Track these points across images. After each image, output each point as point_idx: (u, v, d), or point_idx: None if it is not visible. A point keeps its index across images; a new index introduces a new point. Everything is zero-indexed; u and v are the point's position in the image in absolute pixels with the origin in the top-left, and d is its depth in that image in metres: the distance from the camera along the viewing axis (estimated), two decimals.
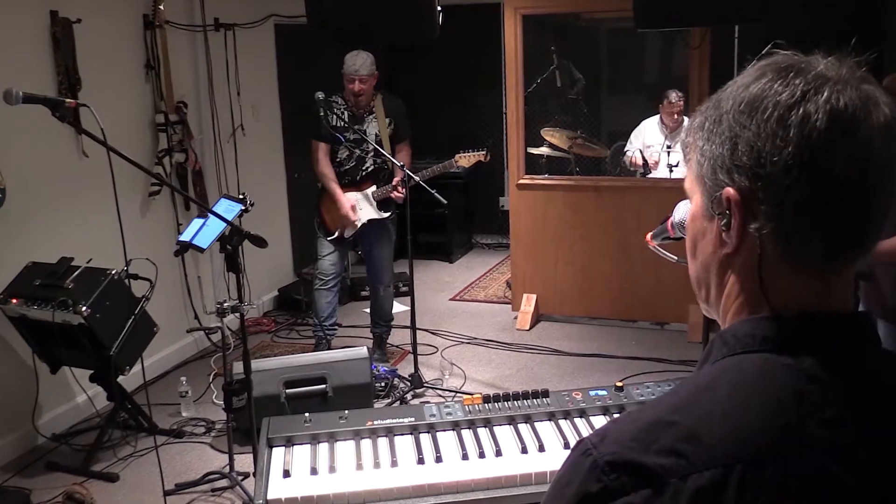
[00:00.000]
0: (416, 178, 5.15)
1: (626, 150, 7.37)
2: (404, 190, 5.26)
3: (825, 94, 0.92)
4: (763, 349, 0.94)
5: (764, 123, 0.93)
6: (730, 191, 0.96)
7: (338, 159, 5.47)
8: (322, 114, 5.28)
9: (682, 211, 2.94)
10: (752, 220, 0.95)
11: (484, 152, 5.44)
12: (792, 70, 0.95)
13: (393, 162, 5.27)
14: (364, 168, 5.48)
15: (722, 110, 0.98)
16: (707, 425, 0.89)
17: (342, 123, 5.39)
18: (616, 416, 2.88)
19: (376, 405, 4.88)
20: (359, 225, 5.49)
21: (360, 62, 5.29)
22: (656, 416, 0.93)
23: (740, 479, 0.86)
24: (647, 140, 7.17)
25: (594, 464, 0.91)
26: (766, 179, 0.93)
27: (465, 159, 5.44)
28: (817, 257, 0.94)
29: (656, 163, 6.94)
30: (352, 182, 5.48)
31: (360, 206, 5.49)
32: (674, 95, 6.91)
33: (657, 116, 7.18)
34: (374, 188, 5.48)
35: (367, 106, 5.43)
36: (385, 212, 5.55)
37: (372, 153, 5.44)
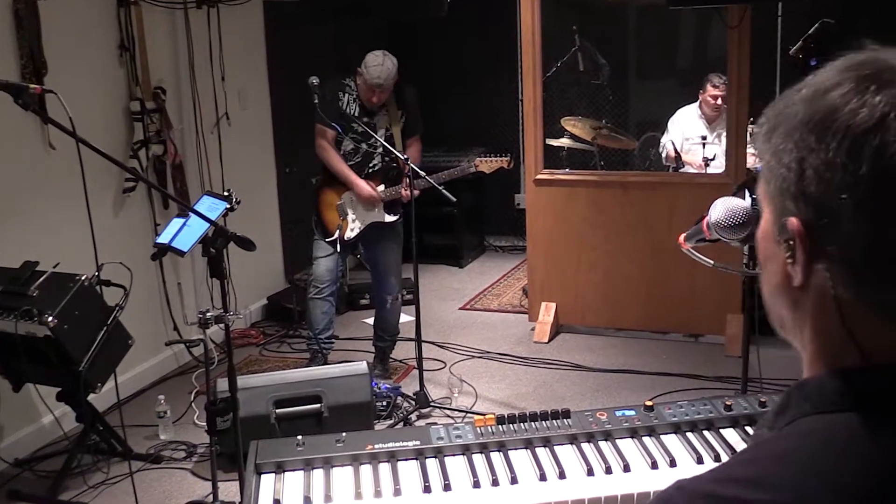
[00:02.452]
0: (431, 181, 5.17)
1: (661, 141, 7.36)
2: (416, 191, 5.25)
3: None
4: (856, 409, 0.88)
5: (835, 150, 0.88)
6: (794, 221, 0.91)
7: (342, 152, 5.48)
8: (316, 101, 5.26)
9: (720, 210, 2.95)
10: (818, 257, 0.91)
11: (507, 158, 5.48)
12: (875, 82, 0.89)
13: (397, 155, 5.27)
14: (371, 165, 5.49)
15: (791, 121, 0.93)
16: None
17: (353, 110, 5.40)
18: (645, 437, 2.87)
19: (377, 427, 4.89)
20: (377, 216, 5.50)
21: (384, 74, 5.23)
22: (739, 493, 0.87)
23: None
24: (685, 132, 7.15)
25: None
26: (834, 216, 0.88)
27: (486, 164, 5.48)
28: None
29: (702, 164, 6.86)
30: None
31: (365, 208, 5.50)
32: (716, 79, 6.87)
33: (695, 104, 7.17)
34: (381, 188, 5.48)
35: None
36: (392, 215, 5.55)
37: (380, 149, 5.44)
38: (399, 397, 5.35)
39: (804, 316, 0.96)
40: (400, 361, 6.06)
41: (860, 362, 0.90)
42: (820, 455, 0.87)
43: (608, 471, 2.70)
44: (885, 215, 0.86)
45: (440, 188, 5.13)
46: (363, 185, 5.43)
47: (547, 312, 6.55)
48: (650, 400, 3.09)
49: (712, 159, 6.65)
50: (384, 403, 5.23)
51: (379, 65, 5.23)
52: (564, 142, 7.22)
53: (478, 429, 2.89)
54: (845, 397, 0.89)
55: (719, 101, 6.82)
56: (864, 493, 0.84)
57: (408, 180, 5.28)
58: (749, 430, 2.83)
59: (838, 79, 0.91)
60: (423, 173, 5.18)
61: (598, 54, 8.10)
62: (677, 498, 0.91)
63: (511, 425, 2.90)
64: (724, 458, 2.66)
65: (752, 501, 0.85)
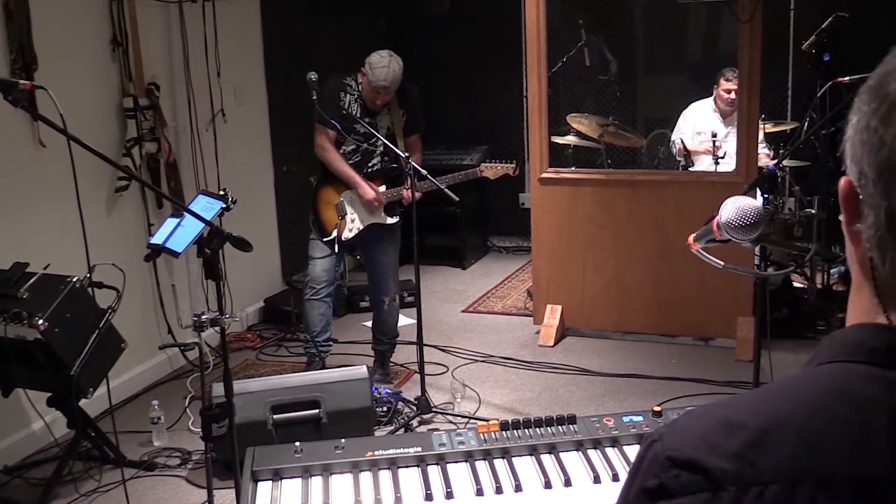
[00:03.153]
0: (436, 182, 5.17)
1: (672, 138, 7.35)
2: (419, 193, 5.24)
3: None
4: (868, 361, 0.93)
5: (873, 113, 0.91)
6: (842, 181, 0.95)
7: (341, 151, 5.47)
8: (315, 98, 5.25)
9: (730, 209, 2.95)
10: (857, 219, 0.95)
11: (513, 165, 5.53)
12: None
13: (399, 154, 5.26)
14: (370, 165, 5.49)
15: (868, 83, 0.95)
16: (780, 433, 0.90)
17: (355, 111, 5.38)
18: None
19: (377, 433, 4.88)
20: (377, 217, 5.51)
21: (390, 77, 5.20)
22: (731, 416, 0.95)
23: (810, 499, 0.86)
24: (698, 126, 7.15)
25: (655, 457, 0.95)
26: (866, 181, 0.92)
27: (491, 170, 5.52)
28: None
29: (709, 149, 6.87)
30: None
31: (365, 208, 5.49)
32: (729, 73, 6.88)
33: (710, 99, 7.18)
34: (383, 188, 5.48)
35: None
36: (392, 217, 5.56)
37: (380, 149, 5.45)
38: (400, 402, 5.35)
39: (853, 269, 1.00)
40: (401, 366, 6.06)
41: (885, 322, 0.94)
42: (818, 396, 0.92)
43: (615, 478, 2.70)
44: None
45: (443, 187, 5.14)
46: (367, 189, 5.42)
47: (552, 315, 6.55)
48: (658, 405, 3.09)
49: (723, 157, 6.65)
50: (385, 409, 5.22)
51: (385, 67, 5.21)
52: (570, 139, 7.22)
53: (481, 435, 2.89)
54: (861, 349, 0.94)
55: (732, 96, 6.82)
56: (837, 437, 0.88)
57: (409, 181, 5.29)
58: None
59: None
60: (424, 171, 5.18)
61: (606, 50, 8.11)
62: (691, 421, 0.98)
63: (515, 431, 2.90)
64: None
65: (745, 424, 0.92)
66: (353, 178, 5.43)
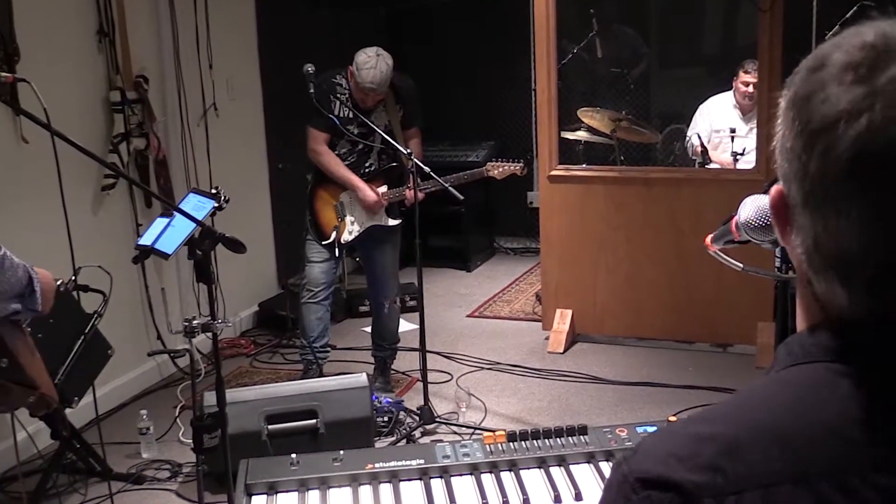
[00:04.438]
0: (441, 182, 5.16)
1: (687, 135, 7.34)
2: (422, 194, 5.24)
3: (865, 117, 0.86)
4: (828, 359, 0.96)
5: (796, 137, 0.93)
6: (773, 190, 1.00)
7: (337, 153, 5.47)
8: (312, 91, 5.25)
9: (749, 209, 2.94)
10: (789, 232, 0.99)
11: (520, 165, 5.60)
12: (864, 66, 0.89)
13: (400, 151, 5.27)
14: (367, 165, 5.49)
15: (790, 89, 0.97)
16: (752, 437, 0.92)
17: (346, 113, 5.38)
18: None
19: (378, 444, 4.89)
20: (378, 219, 5.53)
21: (378, 79, 5.18)
22: (699, 429, 0.97)
23: (788, 499, 0.88)
24: (715, 122, 7.14)
25: (623, 480, 0.96)
26: (795, 202, 0.95)
27: (498, 170, 5.59)
28: (845, 301, 0.94)
29: (731, 162, 6.85)
30: None
31: (366, 210, 5.49)
32: (750, 65, 6.86)
33: (729, 93, 7.15)
34: (384, 188, 5.48)
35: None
36: (393, 218, 5.57)
37: (377, 150, 5.45)
38: (402, 412, 5.35)
39: (797, 274, 1.03)
40: (402, 373, 6.07)
41: (827, 322, 0.99)
42: (785, 399, 0.95)
43: None
44: (826, 215, 0.91)
45: (447, 185, 5.14)
46: (368, 192, 5.43)
47: (562, 320, 6.55)
48: (674, 415, 3.09)
49: (742, 154, 6.64)
50: (385, 419, 5.23)
51: (372, 68, 5.18)
52: (581, 135, 7.21)
53: (487, 446, 2.89)
54: (819, 348, 0.97)
55: (751, 90, 6.80)
56: (812, 437, 0.91)
57: (412, 180, 5.29)
58: None
59: (835, 54, 0.93)
60: (427, 169, 5.17)
61: (638, 43, 8.10)
62: (657, 439, 1.00)
63: (523, 442, 2.90)
64: None
65: (715, 435, 0.94)
66: (352, 181, 5.43)
